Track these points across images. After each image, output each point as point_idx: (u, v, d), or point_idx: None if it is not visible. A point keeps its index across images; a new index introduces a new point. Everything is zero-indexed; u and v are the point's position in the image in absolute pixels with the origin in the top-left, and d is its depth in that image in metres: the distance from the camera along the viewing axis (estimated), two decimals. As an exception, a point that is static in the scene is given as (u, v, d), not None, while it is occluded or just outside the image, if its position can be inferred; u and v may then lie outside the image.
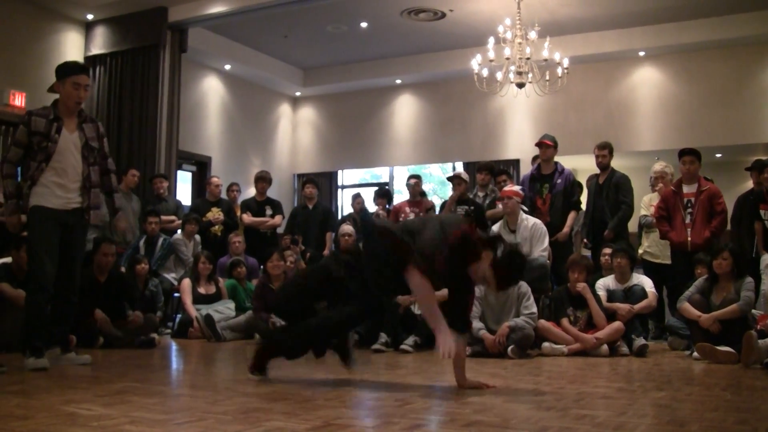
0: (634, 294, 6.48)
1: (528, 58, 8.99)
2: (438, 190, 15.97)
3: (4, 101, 9.09)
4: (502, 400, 3.51)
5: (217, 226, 9.00)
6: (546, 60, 9.12)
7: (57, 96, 4.96)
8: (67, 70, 4.95)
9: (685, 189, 6.93)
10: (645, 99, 11.25)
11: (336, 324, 4.07)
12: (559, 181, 7.68)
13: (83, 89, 4.90)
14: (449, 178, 8.57)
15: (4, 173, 4.77)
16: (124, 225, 5.67)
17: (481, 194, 8.49)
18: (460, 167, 12.37)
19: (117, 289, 6.68)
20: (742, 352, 5.17)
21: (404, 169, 13.19)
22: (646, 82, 11.27)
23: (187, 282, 7.79)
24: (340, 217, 11.19)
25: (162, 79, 9.93)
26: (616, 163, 7.99)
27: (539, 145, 7.85)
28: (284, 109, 13.80)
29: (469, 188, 8.44)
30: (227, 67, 12.14)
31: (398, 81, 12.88)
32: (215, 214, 9.04)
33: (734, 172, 10.36)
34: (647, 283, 6.67)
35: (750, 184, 7.77)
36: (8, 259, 6.23)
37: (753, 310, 5.78)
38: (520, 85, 9.15)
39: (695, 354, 5.63)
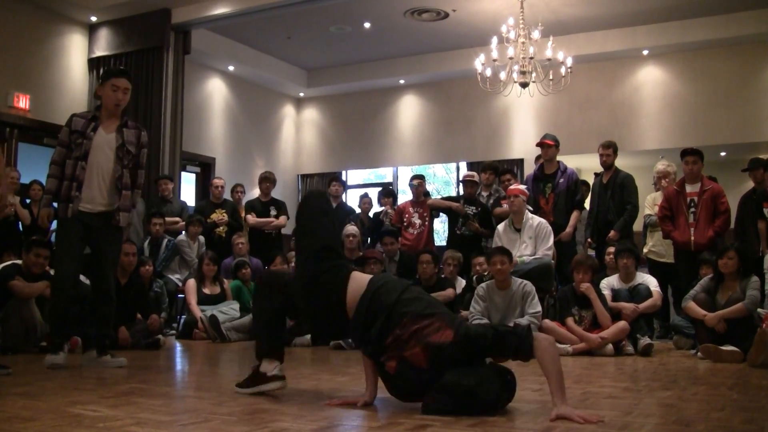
0: (639, 293, 6.47)
1: (531, 58, 8.99)
2: (442, 191, 15.95)
3: (8, 103, 9.12)
4: (508, 400, 3.50)
5: (221, 228, 9.01)
6: (549, 59, 9.11)
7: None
8: (108, 73, 5.15)
9: (689, 188, 6.92)
10: (649, 98, 11.24)
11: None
12: (561, 180, 7.67)
13: (122, 92, 5.03)
14: (463, 180, 8.57)
15: (49, 173, 4.90)
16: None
17: (485, 194, 8.49)
18: (464, 167, 12.37)
19: (135, 292, 6.73)
20: (754, 350, 5.13)
21: (408, 169, 13.19)
22: (650, 81, 11.26)
23: (191, 283, 7.80)
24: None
25: (165, 80, 9.95)
26: (620, 162, 7.99)
27: (540, 145, 7.85)
28: (288, 110, 13.81)
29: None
30: (231, 68, 12.16)
31: (402, 81, 12.88)
32: (219, 215, 9.05)
33: (739, 171, 10.34)
34: (652, 282, 6.66)
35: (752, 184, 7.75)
36: (18, 261, 6.28)
37: (759, 309, 5.76)
38: (524, 85, 9.14)
39: (700, 353, 5.62)
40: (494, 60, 9.01)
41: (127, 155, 5.03)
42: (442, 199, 8.94)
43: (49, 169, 4.92)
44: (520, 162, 11.80)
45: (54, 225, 5.37)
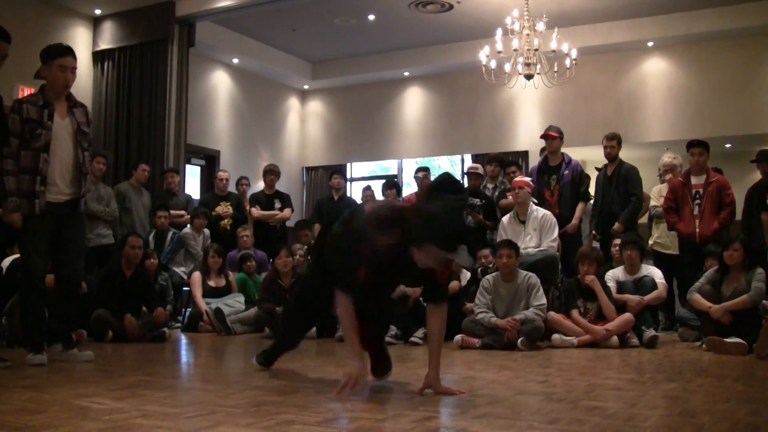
0: (644, 285, 6.46)
1: (536, 50, 8.97)
2: (447, 183, 15.91)
3: (13, 96, 9.11)
4: (513, 392, 3.51)
5: (226, 220, 9.02)
6: (554, 51, 9.09)
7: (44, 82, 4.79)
8: (52, 53, 4.74)
9: (694, 180, 6.90)
10: (654, 90, 11.21)
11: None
12: (566, 172, 7.65)
13: (70, 72, 4.74)
14: (467, 173, 8.56)
15: (6, 168, 4.54)
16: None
17: (490, 186, 8.48)
18: (468, 159, 12.37)
19: (141, 285, 6.74)
20: (760, 342, 5.12)
21: (413, 161, 13.18)
22: (655, 73, 11.23)
23: (197, 275, 7.81)
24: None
25: (170, 73, 9.95)
26: (626, 155, 7.96)
27: (545, 137, 7.83)
28: (293, 103, 13.80)
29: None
30: (235, 60, 12.15)
31: (406, 73, 12.87)
32: (224, 208, 9.06)
33: (744, 163, 10.29)
34: (657, 274, 6.65)
35: (759, 176, 7.74)
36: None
37: (764, 301, 5.75)
38: (529, 77, 9.12)
39: (705, 345, 5.62)
40: (499, 52, 8.99)
41: (84, 138, 4.82)
42: None
43: (2, 163, 4.53)
44: (524, 154, 11.78)
45: None
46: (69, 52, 4.79)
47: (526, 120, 11.99)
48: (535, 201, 7.18)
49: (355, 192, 13.36)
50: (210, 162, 11.99)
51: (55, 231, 4.73)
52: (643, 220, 8.04)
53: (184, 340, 6.94)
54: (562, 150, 7.84)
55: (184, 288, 8.40)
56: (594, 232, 7.95)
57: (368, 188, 9.91)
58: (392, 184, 9.64)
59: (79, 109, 4.89)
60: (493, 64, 9.27)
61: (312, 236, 9.04)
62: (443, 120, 12.75)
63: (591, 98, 11.47)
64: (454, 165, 14.53)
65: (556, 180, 7.67)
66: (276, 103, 13.39)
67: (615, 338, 5.93)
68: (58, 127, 4.71)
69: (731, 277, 5.83)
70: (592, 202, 8.10)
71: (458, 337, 5.88)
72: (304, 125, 13.99)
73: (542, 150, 8.28)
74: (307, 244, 8.51)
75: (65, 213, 4.76)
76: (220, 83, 12.20)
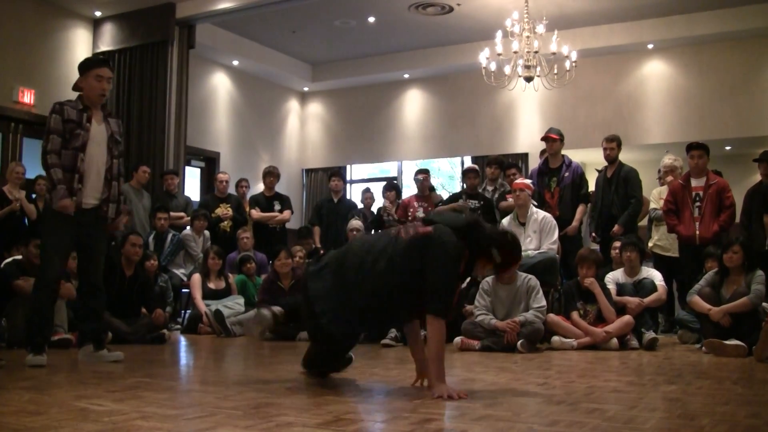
0: (644, 287, 6.46)
1: (536, 52, 8.97)
2: (446, 185, 15.94)
3: (13, 98, 9.13)
4: (513, 395, 3.51)
5: (226, 222, 9.02)
6: (554, 53, 9.10)
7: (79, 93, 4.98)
8: (89, 64, 5.01)
9: (694, 183, 6.91)
10: (654, 92, 11.21)
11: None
12: (567, 174, 7.66)
13: (106, 81, 4.93)
14: (464, 172, 8.55)
15: (51, 162, 4.69)
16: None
17: (490, 188, 8.48)
18: (468, 162, 12.36)
19: (140, 286, 6.74)
20: (760, 344, 5.11)
21: (413, 163, 13.17)
22: (655, 75, 11.23)
23: (197, 277, 7.81)
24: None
25: (170, 75, 9.95)
26: (626, 157, 7.97)
27: (545, 139, 7.84)
28: (292, 104, 13.81)
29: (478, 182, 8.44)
30: (235, 62, 12.16)
31: (406, 75, 12.87)
32: (224, 210, 9.06)
33: (744, 165, 10.33)
34: (657, 276, 6.65)
35: (758, 178, 7.73)
36: (19, 256, 6.27)
37: (764, 303, 5.76)
38: (529, 79, 9.13)
39: (705, 348, 5.62)
40: (499, 54, 8.99)
41: (116, 146, 4.99)
42: (446, 200, 8.79)
43: (48, 158, 4.69)
44: (524, 156, 11.79)
45: None
46: (106, 63, 5.06)
47: (526, 122, 12.00)
48: (535, 203, 7.18)
49: (354, 194, 13.38)
50: (210, 164, 11.99)
51: (77, 238, 4.85)
52: (643, 222, 8.05)
53: (183, 341, 6.94)
54: (563, 152, 7.85)
55: (184, 290, 8.41)
56: (594, 234, 7.95)
57: (368, 190, 9.91)
58: (392, 186, 9.63)
59: (114, 120, 5.09)
60: (493, 66, 9.27)
61: (313, 243, 9.03)
62: (443, 122, 12.75)
63: (591, 100, 11.48)
64: (454, 167, 14.56)
65: (556, 182, 7.67)
66: (276, 105, 13.40)
67: (614, 340, 5.94)
68: (95, 131, 4.88)
69: (731, 279, 5.83)
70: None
71: (458, 339, 5.88)
72: (304, 127, 14.00)
73: (542, 152, 8.28)
74: (309, 251, 8.51)
75: (89, 220, 4.85)
76: (220, 85, 12.21)
